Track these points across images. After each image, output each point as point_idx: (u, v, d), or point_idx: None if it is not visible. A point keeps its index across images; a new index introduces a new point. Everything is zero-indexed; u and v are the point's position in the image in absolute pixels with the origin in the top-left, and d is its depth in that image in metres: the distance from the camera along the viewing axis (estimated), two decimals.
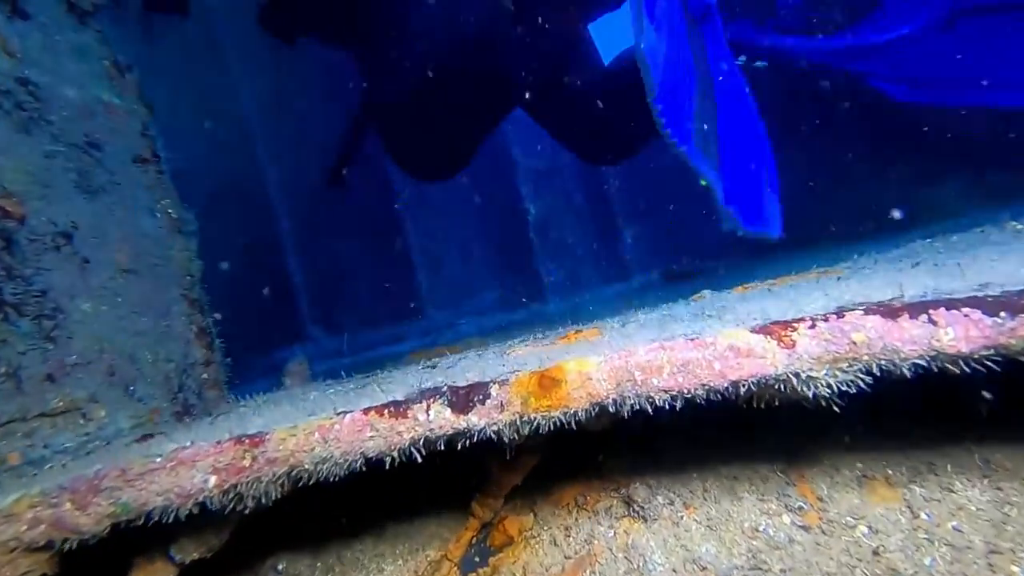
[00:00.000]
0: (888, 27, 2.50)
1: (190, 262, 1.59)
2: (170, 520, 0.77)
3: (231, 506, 0.78)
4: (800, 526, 0.83)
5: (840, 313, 0.66)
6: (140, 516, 0.75)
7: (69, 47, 1.15)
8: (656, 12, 2.02)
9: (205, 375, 1.61)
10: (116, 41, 1.29)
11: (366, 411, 0.79)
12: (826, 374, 0.65)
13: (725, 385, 0.67)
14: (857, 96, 3.10)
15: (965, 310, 0.62)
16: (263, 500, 0.79)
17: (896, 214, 3.29)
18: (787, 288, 1.12)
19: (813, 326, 0.66)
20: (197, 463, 0.75)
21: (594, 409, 0.72)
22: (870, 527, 0.79)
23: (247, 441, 0.78)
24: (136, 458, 0.76)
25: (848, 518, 0.80)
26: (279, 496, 0.79)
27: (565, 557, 0.95)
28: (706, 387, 0.67)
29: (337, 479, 0.79)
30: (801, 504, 0.85)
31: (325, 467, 0.77)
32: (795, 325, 0.66)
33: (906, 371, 0.64)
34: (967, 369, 0.64)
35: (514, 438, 0.77)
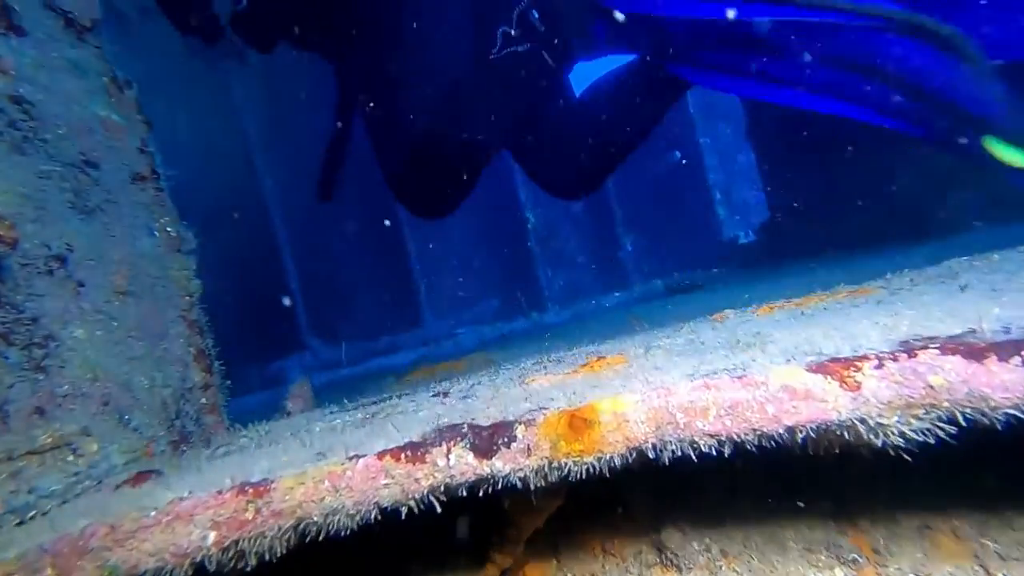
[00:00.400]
0: None
1: (189, 282, 1.53)
2: None
3: (231, 564, 0.71)
4: None
5: (911, 351, 0.59)
6: None
7: (66, 63, 1.09)
8: None
9: (203, 399, 1.54)
10: (115, 56, 1.24)
11: (380, 455, 0.73)
12: (899, 421, 0.58)
13: (780, 431, 0.60)
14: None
15: None
16: (266, 556, 0.72)
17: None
18: (821, 311, 1.07)
19: (880, 366, 0.60)
20: (195, 517, 0.69)
21: (631, 454, 0.66)
22: None
23: (250, 490, 0.71)
24: (128, 511, 0.70)
25: None
26: (284, 552, 0.73)
27: None
28: (758, 432, 0.61)
29: (348, 532, 0.73)
30: (856, 557, 0.78)
31: (336, 519, 0.71)
32: (858, 364, 0.60)
33: (997, 422, 0.57)
34: None
35: (541, 484, 0.71)
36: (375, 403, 1.31)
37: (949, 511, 0.79)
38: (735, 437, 0.61)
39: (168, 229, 1.46)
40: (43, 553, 0.65)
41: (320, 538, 0.73)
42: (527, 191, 6.70)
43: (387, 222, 6.31)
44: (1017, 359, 0.55)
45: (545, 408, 0.76)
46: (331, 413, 1.28)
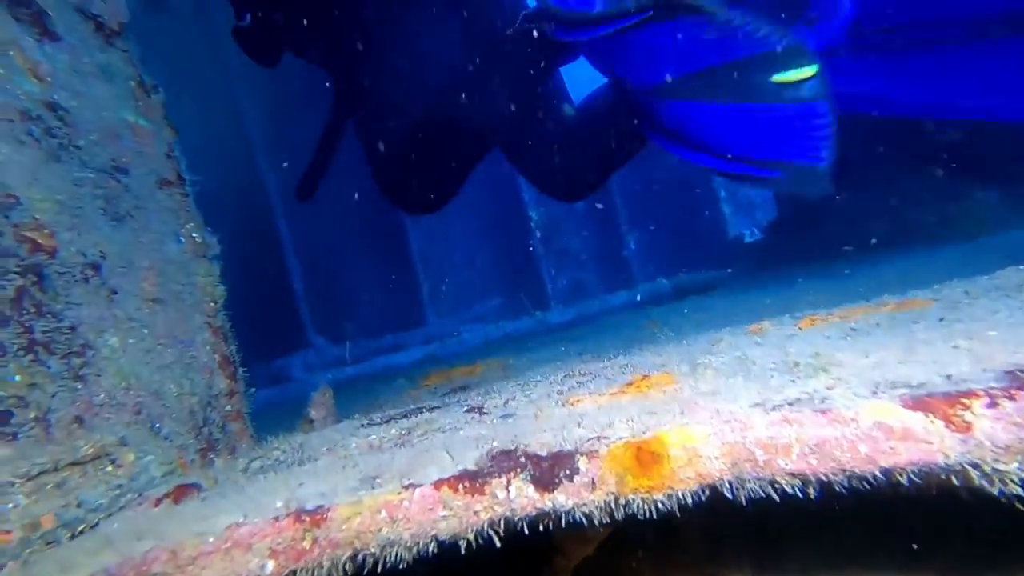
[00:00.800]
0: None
1: (214, 288, 1.51)
2: None
3: None
4: None
5: None
6: None
7: (96, 68, 1.07)
8: None
9: (228, 407, 1.53)
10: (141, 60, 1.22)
11: (438, 485, 0.71)
12: (1020, 468, 0.54)
13: (875, 472, 0.58)
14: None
15: None
16: None
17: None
18: (874, 327, 1.04)
19: (993, 404, 0.56)
20: (253, 545, 0.67)
21: (704, 492, 0.64)
22: None
23: (307, 518, 0.70)
24: (187, 535, 0.68)
25: None
26: None
27: None
28: (848, 473, 0.58)
29: (403, 564, 0.71)
30: None
31: (392, 551, 0.69)
32: (966, 402, 0.57)
33: None
34: None
35: (605, 521, 0.69)
36: (406, 416, 1.29)
37: None
38: (822, 477, 0.59)
39: (194, 235, 1.44)
40: None
41: (377, 570, 0.71)
42: (530, 190, 6.68)
43: (390, 220, 6.29)
44: None
45: (605, 437, 0.74)
46: (363, 427, 1.26)
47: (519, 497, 0.69)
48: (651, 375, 1.04)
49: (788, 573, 0.85)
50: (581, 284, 7.53)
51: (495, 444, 0.84)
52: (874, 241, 3.28)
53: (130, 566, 0.65)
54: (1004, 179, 3.10)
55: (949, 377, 0.64)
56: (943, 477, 0.56)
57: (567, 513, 0.69)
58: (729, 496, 0.63)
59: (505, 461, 0.74)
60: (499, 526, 0.70)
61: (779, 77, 2.12)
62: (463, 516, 0.70)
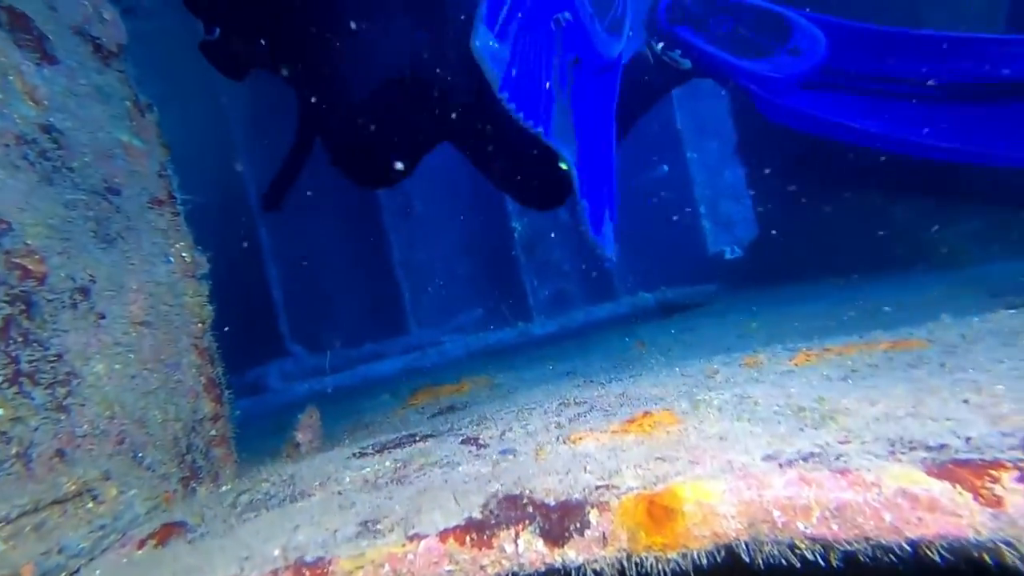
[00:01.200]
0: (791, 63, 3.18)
1: (202, 308, 1.47)
2: None
3: None
4: None
5: None
6: None
7: (92, 89, 1.04)
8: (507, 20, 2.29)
9: (213, 431, 1.48)
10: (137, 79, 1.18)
11: (443, 537, 0.70)
12: None
13: (901, 543, 0.56)
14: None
15: None
16: None
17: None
18: (873, 369, 1.06)
19: None
20: None
21: (720, 552, 0.64)
22: None
23: (308, 573, 0.67)
24: None
25: None
26: None
27: None
28: (873, 543, 0.58)
29: None
30: None
31: None
32: (994, 474, 0.56)
33: None
34: None
35: None
36: (399, 446, 1.27)
37: None
38: (844, 544, 0.59)
39: (183, 255, 1.40)
40: None
41: None
42: (514, 200, 6.68)
43: (372, 228, 6.24)
44: None
45: (615, 486, 0.73)
46: (355, 457, 1.23)
47: (528, 551, 0.68)
48: (652, 411, 1.04)
49: None
50: (564, 296, 7.54)
51: (499, 487, 0.82)
52: (855, 276, 3.38)
53: None
54: (983, 212, 3.23)
55: (969, 440, 0.65)
56: (975, 554, 0.55)
57: (577, 570, 0.68)
58: (746, 559, 0.62)
59: (512, 510, 0.73)
60: None
61: None
62: (470, 571, 0.68)
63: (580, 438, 0.99)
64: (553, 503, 0.73)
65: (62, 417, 0.97)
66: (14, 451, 0.86)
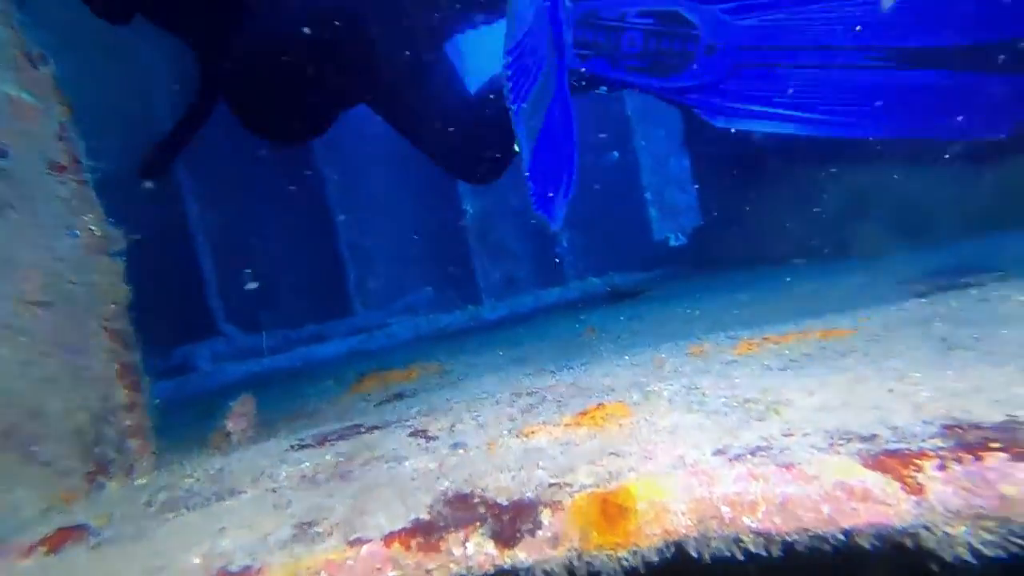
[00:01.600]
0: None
1: (115, 288, 1.32)
2: None
3: None
4: None
5: (971, 450, 0.58)
6: None
7: None
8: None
9: (128, 421, 1.35)
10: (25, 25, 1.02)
11: (388, 541, 0.64)
12: (966, 533, 0.55)
13: (836, 533, 0.58)
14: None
15: None
16: None
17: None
18: (807, 359, 1.09)
19: (943, 467, 0.57)
20: None
21: (670, 549, 0.62)
22: None
23: None
24: None
25: None
26: None
27: None
28: (811, 534, 0.59)
29: None
30: None
31: None
32: (918, 463, 0.58)
33: None
34: None
35: None
36: (342, 438, 1.20)
37: None
38: (785, 537, 0.59)
39: (92, 227, 1.25)
40: None
41: None
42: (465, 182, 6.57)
43: (316, 205, 5.97)
44: None
45: (568, 484, 0.70)
46: (293, 449, 1.15)
47: (477, 554, 0.64)
48: (605, 403, 1.02)
49: None
50: (514, 279, 7.53)
51: (449, 485, 0.78)
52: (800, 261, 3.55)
53: None
54: (889, 205, 3.45)
55: (896, 430, 0.67)
56: (898, 539, 0.57)
57: (526, 571, 0.64)
58: (693, 554, 0.61)
59: (462, 510, 0.69)
60: None
61: None
62: None
63: (533, 431, 0.96)
64: (505, 502, 0.69)
65: None
66: None
